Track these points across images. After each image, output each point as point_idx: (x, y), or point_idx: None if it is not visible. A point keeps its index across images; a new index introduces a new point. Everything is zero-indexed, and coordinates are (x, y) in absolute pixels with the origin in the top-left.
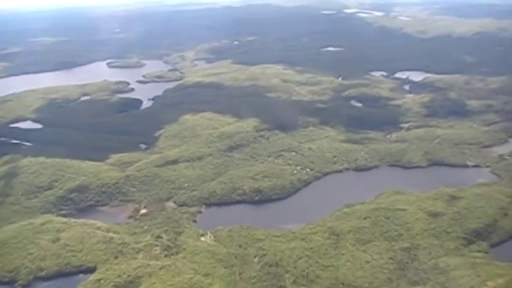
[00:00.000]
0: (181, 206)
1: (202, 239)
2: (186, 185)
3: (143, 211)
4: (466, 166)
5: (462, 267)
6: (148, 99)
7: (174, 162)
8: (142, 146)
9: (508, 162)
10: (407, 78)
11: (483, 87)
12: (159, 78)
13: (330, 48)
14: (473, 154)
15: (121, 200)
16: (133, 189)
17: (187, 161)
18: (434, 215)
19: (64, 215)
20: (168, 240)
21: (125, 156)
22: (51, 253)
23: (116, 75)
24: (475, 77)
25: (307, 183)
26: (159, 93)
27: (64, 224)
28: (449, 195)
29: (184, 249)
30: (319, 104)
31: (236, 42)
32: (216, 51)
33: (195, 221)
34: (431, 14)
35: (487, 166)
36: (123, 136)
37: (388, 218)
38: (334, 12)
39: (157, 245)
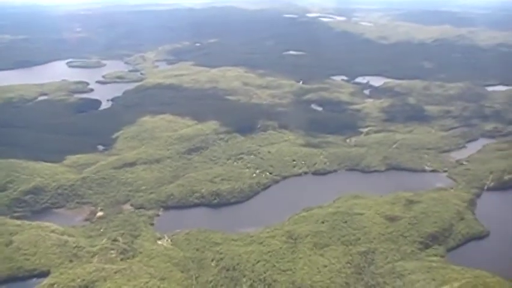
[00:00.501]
0: (139, 208)
1: (159, 242)
2: (144, 187)
3: (100, 214)
4: (424, 171)
5: (418, 271)
6: (108, 100)
7: (132, 164)
8: (100, 147)
9: (465, 167)
10: (367, 83)
11: (442, 93)
12: (119, 79)
13: (292, 52)
14: (431, 159)
15: (77, 202)
16: (90, 192)
17: (146, 163)
18: (392, 219)
19: (18, 217)
20: (124, 243)
21: (82, 157)
22: (3, 256)
23: (75, 75)
24: (434, 83)
25: (266, 187)
26: (119, 94)
27: (18, 227)
28: (407, 199)
29: (140, 252)
30: (279, 107)
31: (198, 44)
32: (177, 53)
33: (152, 224)
34: (393, 20)
35: (445, 171)
36: (80, 137)
37: (345, 222)
38: (297, 16)
39: (113, 249)
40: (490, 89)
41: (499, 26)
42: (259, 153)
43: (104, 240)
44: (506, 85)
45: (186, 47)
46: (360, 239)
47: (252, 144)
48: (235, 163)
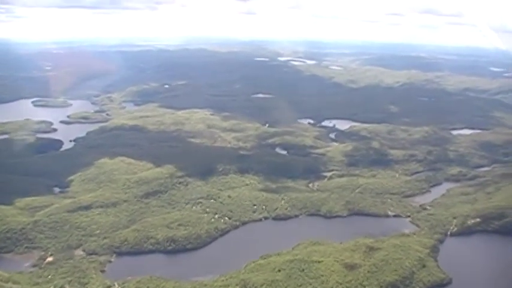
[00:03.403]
0: (91, 254)
1: None
2: (98, 232)
3: (49, 259)
4: (387, 216)
5: None
6: (70, 141)
7: (87, 207)
8: (56, 189)
9: (428, 212)
10: (333, 126)
11: (407, 137)
12: (84, 119)
13: (260, 95)
14: (394, 204)
15: (27, 247)
16: (42, 236)
17: (101, 206)
18: (351, 267)
19: None
20: None
21: (35, 200)
22: None
23: (40, 115)
24: (399, 127)
25: (224, 232)
26: (82, 134)
27: None
28: (368, 246)
29: None
30: (242, 151)
31: (166, 86)
32: (145, 94)
33: (103, 271)
34: (362, 64)
35: (408, 216)
36: (36, 178)
37: (303, 270)
38: (268, 59)
39: None
40: (455, 132)
41: (466, 71)
42: (219, 197)
43: None
44: (472, 129)
45: (155, 88)
46: None
47: (213, 188)
48: (193, 207)
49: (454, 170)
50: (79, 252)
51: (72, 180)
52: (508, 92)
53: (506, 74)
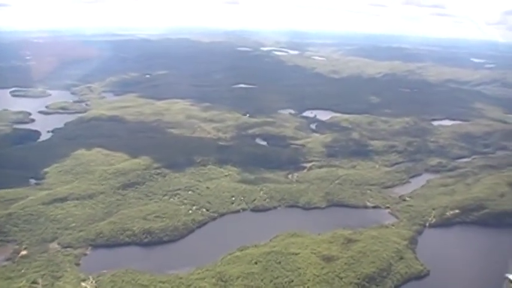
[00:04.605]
0: (66, 247)
1: (82, 284)
2: (73, 224)
3: (23, 253)
4: (366, 207)
5: None
6: (48, 131)
7: (63, 199)
8: (32, 181)
9: (407, 203)
10: (314, 117)
11: (387, 128)
12: (62, 110)
13: (242, 85)
14: (373, 195)
15: (0, 240)
16: (16, 229)
17: (77, 198)
18: (328, 259)
19: None
20: (44, 286)
21: (10, 192)
22: None
23: (18, 105)
24: (379, 118)
25: (201, 224)
26: (60, 125)
27: None
28: (346, 237)
29: None
30: (222, 141)
31: (147, 76)
32: (125, 84)
33: (78, 264)
34: (344, 54)
35: (387, 207)
36: (12, 170)
37: (279, 262)
38: (250, 49)
39: None
40: (436, 123)
41: (448, 62)
42: (197, 188)
43: (22, 282)
44: (452, 120)
45: (135, 78)
46: (293, 281)
47: (191, 179)
48: (171, 199)
49: (434, 161)
50: (54, 245)
51: (48, 172)
52: (489, 83)
53: (487, 65)
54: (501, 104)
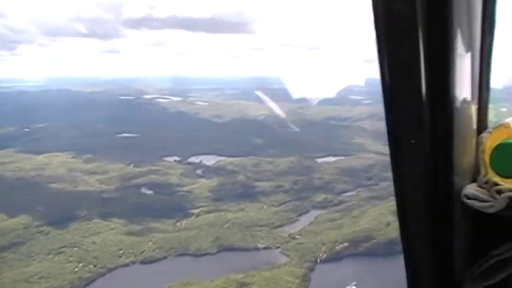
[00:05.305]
0: None
1: None
2: None
3: None
4: (257, 249)
5: None
6: None
7: None
8: None
9: (297, 241)
10: (200, 162)
11: (272, 168)
12: None
13: (125, 135)
14: (264, 236)
15: None
16: None
17: None
18: None
19: None
20: None
21: None
22: None
23: None
24: (264, 159)
25: (89, 282)
26: None
27: None
28: (238, 282)
29: None
30: (106, 193)
31: (26, 130)
32: (2, 139)
33: None
34: (227, 98)
35: (277, 247)
36: None
37: None
38: (133, 97)
39: None
40: (320, 160)
41: (328, 101)
42: (83, 244)
43: None
44: (335, 156)
45: (13, 132)
46: None
47: (75, 235)
48: (55, 258)
49: (320, 197)
50: None
51: None
52: (367, 118)
53: (365, 102)
54: (380, 137)
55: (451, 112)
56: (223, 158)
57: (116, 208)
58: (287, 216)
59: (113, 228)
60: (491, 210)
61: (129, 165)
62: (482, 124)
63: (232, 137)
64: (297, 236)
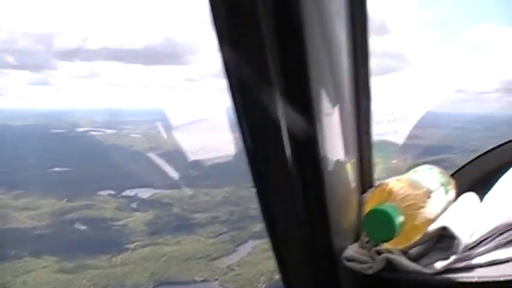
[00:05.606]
0: None
1: None
2: None
3: None
4: (195, 282)
5: None
6: None
7: None
8: None
9: (235, 272)
10: (135, 195)
11: (208, 199)
12: None
13: (57, 169)
14: (201, 268)
15: None
16: None
17: None
18: None
19: None
20: None
21: None
22: None
23: None
24: (200, 190)
25: None
26: None
27: None
28: None
29: None
30: (37, 230)
31: None
32: None
33: None
34: (163, 130)
35: (216, 279)
36: None
37: None
38: (65, 131)
39: None
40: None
41: None
42: (14, 284)
43: None
44: None
45: None
46: None
47: (5, 275)
48: None
49: (257, 227)
50: None
51: None
52: None
53: None
54: None
55: (321, 175)
56: (159, 190)
57: (48, 245)
58: (224, 247)
59: (45, 266)
60: (370, 272)
61: (62, 200)
62: (367, 181)
63: (167, 168)
64: (235, 267)
